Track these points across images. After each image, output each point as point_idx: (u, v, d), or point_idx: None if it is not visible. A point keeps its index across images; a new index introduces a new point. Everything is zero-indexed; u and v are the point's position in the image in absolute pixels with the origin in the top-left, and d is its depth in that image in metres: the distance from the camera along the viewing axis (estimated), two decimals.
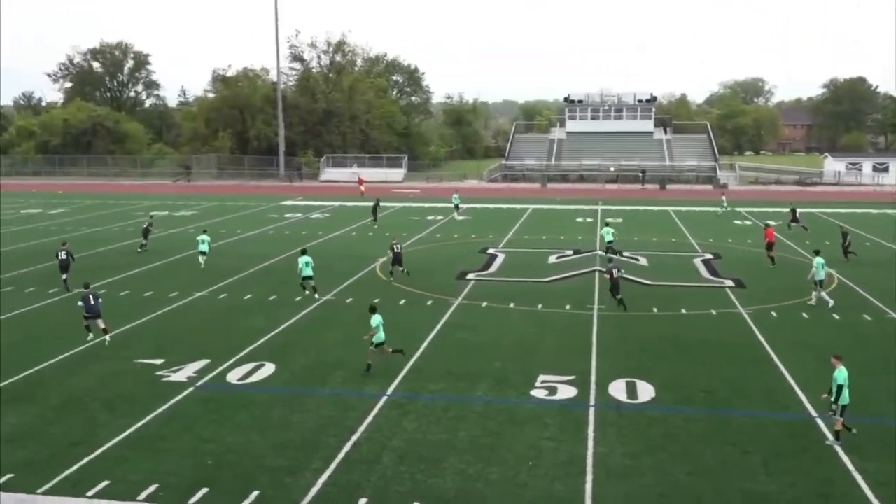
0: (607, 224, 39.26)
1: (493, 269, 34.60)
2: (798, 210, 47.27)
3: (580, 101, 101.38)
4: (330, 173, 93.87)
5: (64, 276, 30.37)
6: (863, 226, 48.41)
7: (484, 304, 27.63)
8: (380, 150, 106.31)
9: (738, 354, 21.96)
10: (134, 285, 30.82)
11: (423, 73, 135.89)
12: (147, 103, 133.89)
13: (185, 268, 34.90)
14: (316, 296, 28.31)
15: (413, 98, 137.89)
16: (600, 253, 38.59)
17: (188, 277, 32.46)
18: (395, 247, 33.65)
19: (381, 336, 20.35)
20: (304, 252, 29.50)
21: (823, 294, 27.49)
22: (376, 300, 25.78)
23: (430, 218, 54.52)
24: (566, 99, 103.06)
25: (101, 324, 22.86)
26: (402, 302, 27.88)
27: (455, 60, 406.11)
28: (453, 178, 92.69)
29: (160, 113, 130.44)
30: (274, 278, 32.30)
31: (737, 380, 19.93)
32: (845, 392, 16.16)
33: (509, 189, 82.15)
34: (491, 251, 39.34)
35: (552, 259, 36.88)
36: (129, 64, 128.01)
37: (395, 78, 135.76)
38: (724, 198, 58.73)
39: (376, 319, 20.33)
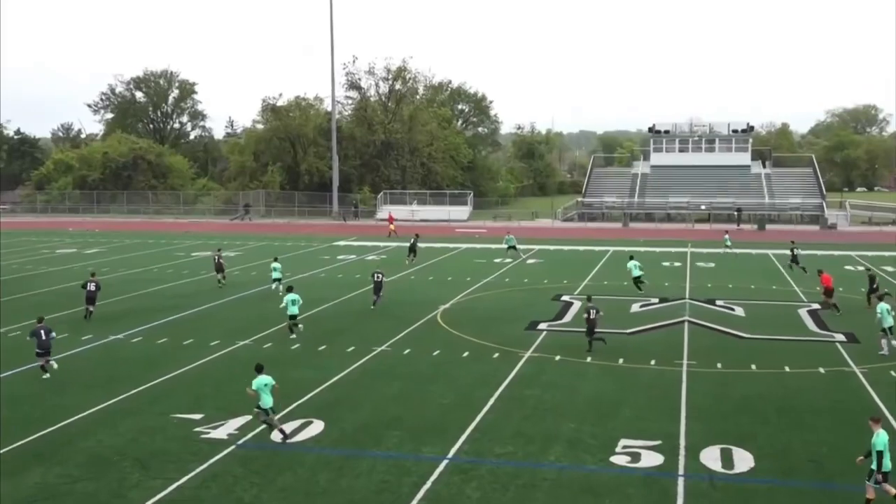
0: (632, 257, 41.76)
1: (567, 318, 34.39)
2: (797, 250, 47.92)
3: (666, 132, 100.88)
4: (387, 211, 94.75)
5: (90, 308, 33.20)
6: None
7: (557, 357, 27.31)
8: (442, 185, 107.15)
9: (851, 419, 21.16)
10: (173, 332, 31.31)
11: (491, 102, 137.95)
12: (192, 135, 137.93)
13: (228, 314, 35.38)
14: (300, 326, 30.61)
15: (480, 129, 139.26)
16: (690, 301, 37.99)
17: (232, 324, 32.88)
18: (376, 275, 36.56)
19: (266, 401, 19.50)
20: (290, 289, 31.30)
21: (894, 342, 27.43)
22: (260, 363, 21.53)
23: (497, 261, 54.47)
24: (651, 129, 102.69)
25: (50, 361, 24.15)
26: (466, 354, 27.72)
27: (526, 88, 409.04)
28: (523, 216, 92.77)
29: (205, 145, 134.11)
30: (323, 326, 32.52)
31: (849, 449, 19.16)
32: (886, 458, 15.88)
33: (586, 230, 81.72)
34: (565, 298, 39.16)
35: (635, 308, 36.59)
36: (174, 93, 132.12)
37: (460, 107, 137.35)
38: (726, 236, 59.64)
39: (261, 381, 19.54)
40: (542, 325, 32.58)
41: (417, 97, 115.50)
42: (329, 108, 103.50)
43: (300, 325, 30.78)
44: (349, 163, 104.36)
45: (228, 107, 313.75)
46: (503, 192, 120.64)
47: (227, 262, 50.92)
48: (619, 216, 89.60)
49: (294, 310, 30.37)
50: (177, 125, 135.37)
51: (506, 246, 56.50)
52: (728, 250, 58.36)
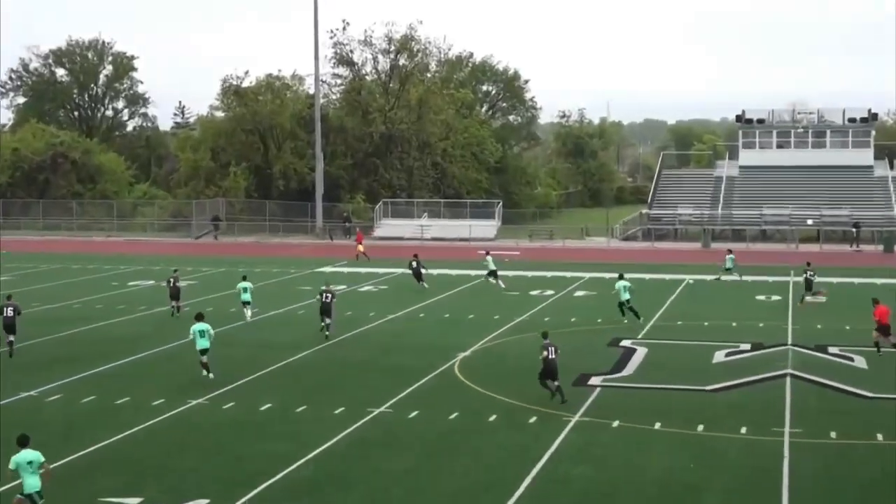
0: (621, 277, 44.09)
1: (628, 370, 34.41)
2: (811, 275, 50.75)
3: (760, 122, 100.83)
4: (388, 226, 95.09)
5: (10, 339, 35.03)
6: None
7: (615, 423, 27.19)
8: (462, 192, 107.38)
9: None
10: (104, 387, 31.37)
11: (527, 82, 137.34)
12: (130, 126, 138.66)
13: (175, 363, 35.43)
14: (210, 375, 31.95)
15: (511, 117, 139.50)
16: (794, 347, 37.89)
17: (180, 377, 32.94)
18: (324, 295, 39.61)
19: (31, 483, 19.52)
20: (198, 317, 33.20)
21: None
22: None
23: (535, 293, 54.40)
24: (739, 118, 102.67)
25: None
26: (493, 418, 27.65)
27: (573, 62, 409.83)
28: (569, 233, 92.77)
29: (148, 139, 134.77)
30: (303, 379, 32.57)
31: None
32: None
33: (654, 251, 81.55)
34: (626, 343, 39.14)
35: (719, 357, 36.52)
36: (107, 70, 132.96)
37: (485, 88, 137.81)
38: (728, 257, 60.76)
39: (24, 457, 19.64)
40: (595, 380, 32.51)
41: (429, 75, 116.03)
42: (311, 91, 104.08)
43: (210, 375, 32.05)
44: (338, 163, 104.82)
45: (178, 88, 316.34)
46: (543, 202, 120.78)
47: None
48: (697, 233, 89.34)
49: (204, 343, 31.86)
50: (110, 112, 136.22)
51: (487, 269, 57.12)
52: (726, 276, 59.52)
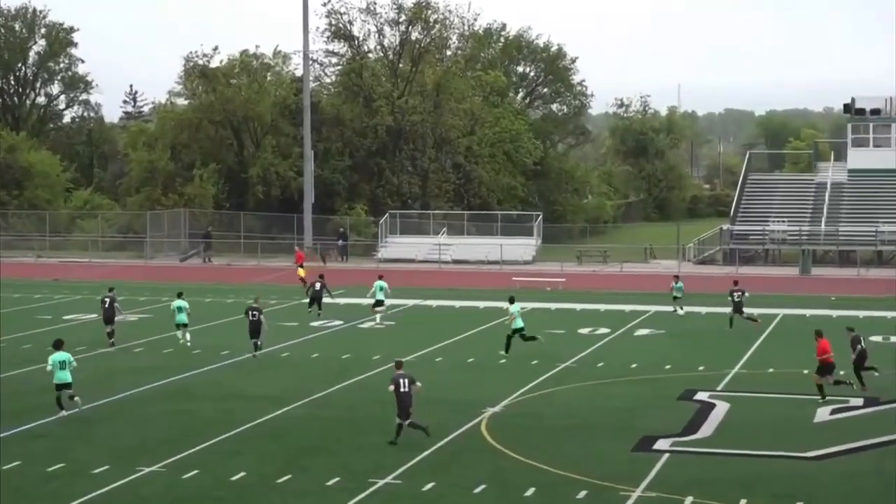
0: (513, 300, 47.10)
1: (704, 431, 34.29)
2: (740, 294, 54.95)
3: (875, 112, 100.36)
4: (397, 245, 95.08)
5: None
6: None
7: (688, 500, 27.09)
8: (491, 202, 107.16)
9: None
10: (29, 450, 31.42)
11: (574, 61, 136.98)
12: (68, 116, 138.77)
13: (123, 418, 35.47)
14: (65, 413, 34.33)
15: (555, 106, 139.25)
16: None
17: (130, 436, 32.93)
18: (251, 313, 44.11)
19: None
20: (57, 345, 35.22)
21: None
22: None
23: (584, 332, 54.32)
24: (848, 107, 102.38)
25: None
26: (530, 493, 27.57)
27: (631, 37, 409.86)
28: (630, 255, 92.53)
29: (90, 134, 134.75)
30: (289, 441, 32.59)
31: None
32: None
33: (738, 278, 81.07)
34: (702, 397, 39.03)
35: (823, 414, 36.38)
36: (39, 46, 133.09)
37: (520, 69, 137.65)
38: (676, 284, 61.36)
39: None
40: (663, 443, 32.37)
41: (449, 53, 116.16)
42: (299, 72, 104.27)
43: (65, 412, 33.81)
44: (333, 164, 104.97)
45: (129, 70, 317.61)
46: (595, 215, 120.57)
47: (127, 336, 51.17)
48: (793, 255, 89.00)
49: (64, 376, 33.88)
50: (42, 99, 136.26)
51: (374, 299, 57.71)
52: (674, 309, 60.16)
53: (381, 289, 57.57)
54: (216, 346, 48.86)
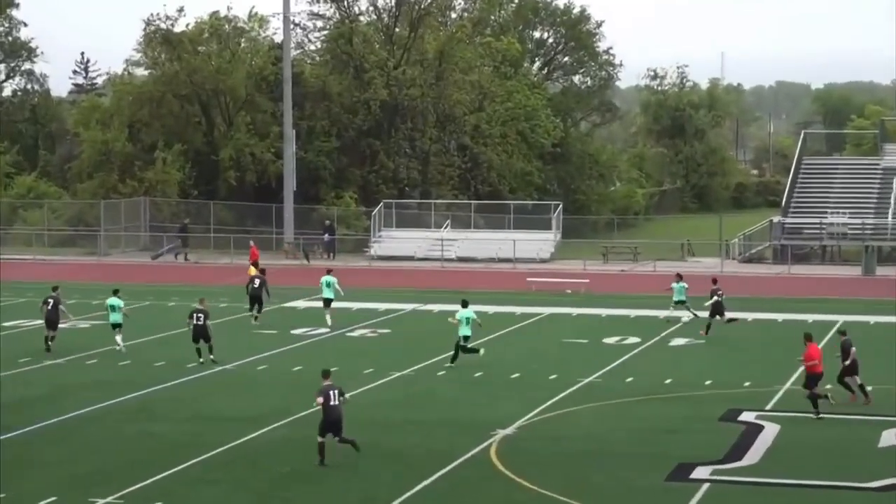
0: (466, 304, 48.13)
1: (751, 457, 34.31)
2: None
3: None
4: (392, 241, 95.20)
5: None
6: None
7: None
8: (502, 190, 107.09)
9: None
10: None
11: (600, 26, 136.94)
12: (8, 89, 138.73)
13: (74, 441, 35.54)
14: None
15: (577, 78, 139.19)
16: None
17: (82, 462, 32.98)
18: (195, 316, 46.81)
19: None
20: None
21: None
22: None
23: (611, 341, 54.42)
24: None
25: None
26: None
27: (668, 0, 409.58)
28: (664, 251, 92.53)
29: (34, 110, 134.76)
30: (269, 468, 32.66)
31: None
32: None
33: (790, 279, 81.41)
34: (748, 418, 39.07)
35: (889, 438, 36.34)
36: None
37: (537, 35, 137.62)
38: (679, 284, 59.81)
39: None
40: (702, 471, 32.40)
41: (454, 15, 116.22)
42: (278, 38, 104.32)
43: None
44: (318, 145, 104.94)
45: (80, 35, 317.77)
46: (624, 205, 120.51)
47: (79, 346, 51.32)
48: (855, 253, 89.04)
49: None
50: None
51: (324, 296, 59.15)
52: (677, 313, 59.61)
53: (329, 285, 58.60)
54: (181, 358, 48.76)
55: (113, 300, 50.87)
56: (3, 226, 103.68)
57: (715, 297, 55.29)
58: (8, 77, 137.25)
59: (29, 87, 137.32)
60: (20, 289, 72.46)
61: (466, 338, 47.10)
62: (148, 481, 31.03)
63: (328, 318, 58.03)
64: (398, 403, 41.32)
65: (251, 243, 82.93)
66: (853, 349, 41.44)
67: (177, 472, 31.93)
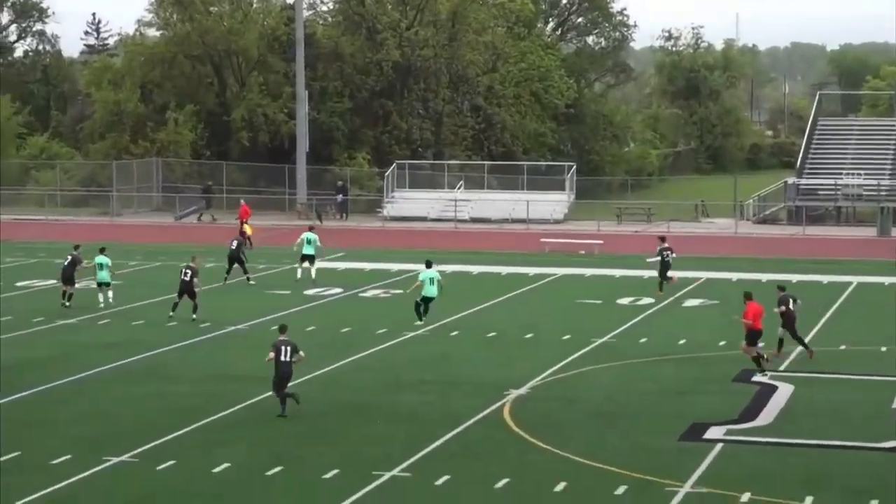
0: (429, 264, 48.41)
1: (764, 417, 34.36)
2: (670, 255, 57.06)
3: None
4: (405, 202, 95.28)
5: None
6: None
7: (745, 496, 27.18)
8: (516, 151, 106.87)
9: None
10: None
11: None
12: (20, 49, 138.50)
13: (86, 401, 35.63)
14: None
15: (591, 39, 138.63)
16: None
17: (95, 422, 33.09)
18: (184, 271, 48.52)
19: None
20: None
21: None
22: None
23: (624, 302, 54.45)
24: None
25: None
26: (561, 487, 27.71)
27: None
28: (678, 212, 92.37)
29: (46, 70, 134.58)
30: (279, 428, 32.71)
31: None
32: None
33: (805, 241, 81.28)
34: (761, 378, 39.07)
35: None
36: None
37: None
38: (663, 251, 58.29)
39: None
40: (716, 431, 32.46)
41: None
42: None
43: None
44: (331, 106, 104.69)
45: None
46: (637, 166, 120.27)
47: (92, 306, 51.44)
48: (870, 214, 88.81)
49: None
50: None
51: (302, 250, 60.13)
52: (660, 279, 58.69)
53: (310, 241, 59.17)
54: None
55: (100, 258, 51.92)
56: (16, 186, 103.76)
57: (659, 257, 56.57)
58: (20, 38, 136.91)
59: (41, 47, 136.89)
60: (32, 249, 72.66)
61: (431, 299, 47.34)
62: (161, 440, 31.14)
63: (311, 272, 59.49)
64: (411, 363, 41.35)
65: (241, 202, 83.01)
66: (791, 301, 41.83)
67: (190, 432, 32.05)
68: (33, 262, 66.66)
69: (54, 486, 27.48)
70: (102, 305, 51.07)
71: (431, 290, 47.16)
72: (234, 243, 59.64)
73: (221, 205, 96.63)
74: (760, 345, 39.99)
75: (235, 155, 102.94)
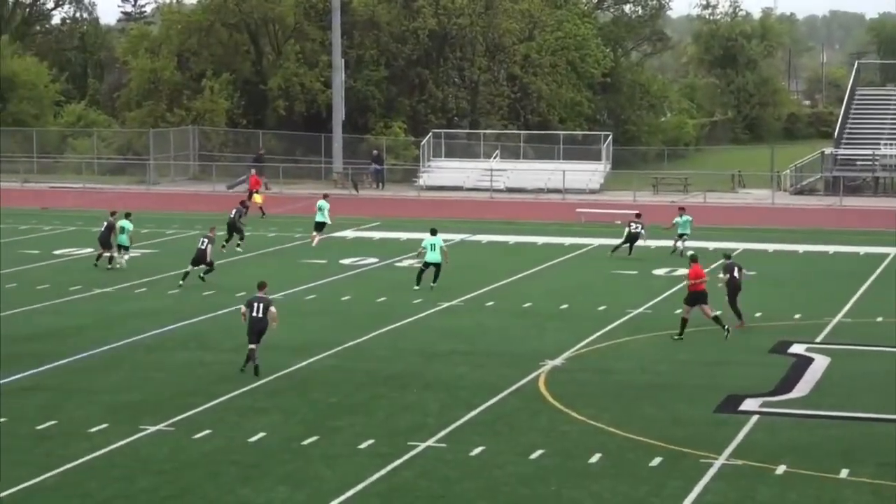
0: (434, 231, 49.27)
1: (800, 389, 34.33)
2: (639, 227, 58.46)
3: None
4: (441, 171, 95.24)
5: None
6: None
7: (780, 469, 27.17)
8: (552, 120, 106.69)
9: None
10: (16, 406, 31.67)
11: None
12: (57, 17, 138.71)
13: (123, 370, 35.84)
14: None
15: (628, 7, 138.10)
16: None
17: (131, 391, 33.27)
18: (201, 240, 49.89)
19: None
20: None
21: None
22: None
23: (660, 273, 54.48)
24: None
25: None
26: (596, 458, 27.76)
27: None
28: (715, 182, 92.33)
29: (83, 38, 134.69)
30: (315, 398, 32.78)
31: None
32: None
33: (842, 211, 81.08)
34: (798, 350, 39.05)
35: None
36: None
37: None
38: (682, 218, 60.23)
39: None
40: (751, 403, 32.46)
41: None
42: None
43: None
44: (367, 74, 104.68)
45: None
46: (674, 136, 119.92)
47: (128, 275, 51.70)
48: None
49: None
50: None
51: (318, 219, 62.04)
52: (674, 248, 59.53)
53: (321, 209, 60.88)
54: (231, 286, 48.95)
55: (123, 222, 53.41)
56: (53, 154, 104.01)
57: (629, 229, 58.60)
58: (57, 5, 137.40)
59: (78, 15, 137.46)
60: (69, 217, 72.88)
61: (435, 264, 48.67)
62: (196, 410, 31.33)
63: (315, 240, 60.69)
64: (446, 333, 41.44)
65: (251, 171, 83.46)
66: (737, 269, 42.56)
67: (225, 401, 32.20)
68: (71, 231, 66.88)
69: (92, 455, 27.61)
70: (111, 266, 53.33)
71: (433, 256, 48.41)
72: (234, 212, 60.49)
73: (258, 174, 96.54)
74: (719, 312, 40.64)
75: (271, 124, 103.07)
